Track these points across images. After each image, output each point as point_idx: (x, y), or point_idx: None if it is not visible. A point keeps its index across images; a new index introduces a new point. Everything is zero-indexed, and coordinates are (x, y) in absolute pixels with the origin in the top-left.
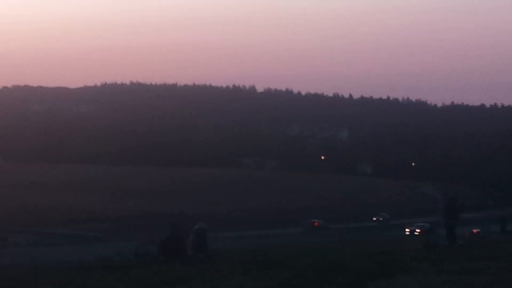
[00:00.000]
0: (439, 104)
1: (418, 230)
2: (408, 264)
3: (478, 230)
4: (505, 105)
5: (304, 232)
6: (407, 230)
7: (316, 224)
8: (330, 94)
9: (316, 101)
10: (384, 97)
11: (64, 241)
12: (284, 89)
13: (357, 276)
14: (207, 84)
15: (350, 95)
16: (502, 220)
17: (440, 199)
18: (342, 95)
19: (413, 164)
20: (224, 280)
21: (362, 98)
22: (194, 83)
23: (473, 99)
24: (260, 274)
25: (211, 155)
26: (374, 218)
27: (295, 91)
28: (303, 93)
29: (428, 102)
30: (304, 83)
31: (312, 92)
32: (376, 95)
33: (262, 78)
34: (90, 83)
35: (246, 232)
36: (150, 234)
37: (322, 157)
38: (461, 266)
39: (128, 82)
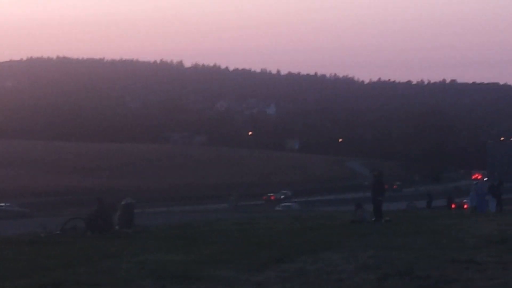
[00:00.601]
0: (366, 81)
1: None
2: (335, 239)
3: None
4: (432, 81)
5: (231, 208)
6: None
7: (272, 197)
8: (258, 70)
9: (244, 76)
10: (312, 73)
11: None
12: (212, 65)
13: (285, 251)
14: (135, 59)
15: (278, 71)
16: (428, 196)
17: (366, 175)
18: (269, 70)
19: (340, 140)
20: (150, 255)
21: (289, 74)
22: (121, 58)
23: (400, 76)
24: (188, 249)
25: (138, 131)
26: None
27: (223, 66)
28: (230, 68)
29: (355, 79)
30: (232, 59)
31: (240, 67)
32: (303, 71)
33: (190, 53)
34: (16, 57)
35: (173, 208)
36: (77, 209)
37: (250, 133)
38: (388, 242)
39: (54, 57)
